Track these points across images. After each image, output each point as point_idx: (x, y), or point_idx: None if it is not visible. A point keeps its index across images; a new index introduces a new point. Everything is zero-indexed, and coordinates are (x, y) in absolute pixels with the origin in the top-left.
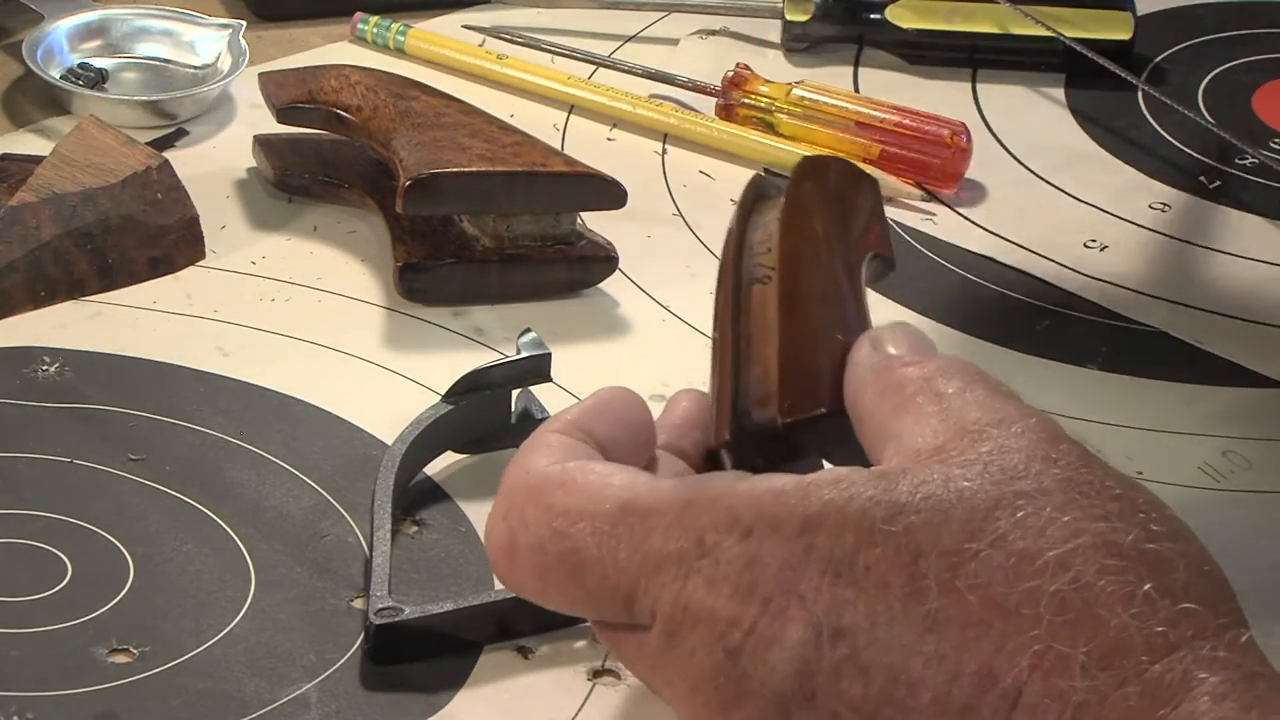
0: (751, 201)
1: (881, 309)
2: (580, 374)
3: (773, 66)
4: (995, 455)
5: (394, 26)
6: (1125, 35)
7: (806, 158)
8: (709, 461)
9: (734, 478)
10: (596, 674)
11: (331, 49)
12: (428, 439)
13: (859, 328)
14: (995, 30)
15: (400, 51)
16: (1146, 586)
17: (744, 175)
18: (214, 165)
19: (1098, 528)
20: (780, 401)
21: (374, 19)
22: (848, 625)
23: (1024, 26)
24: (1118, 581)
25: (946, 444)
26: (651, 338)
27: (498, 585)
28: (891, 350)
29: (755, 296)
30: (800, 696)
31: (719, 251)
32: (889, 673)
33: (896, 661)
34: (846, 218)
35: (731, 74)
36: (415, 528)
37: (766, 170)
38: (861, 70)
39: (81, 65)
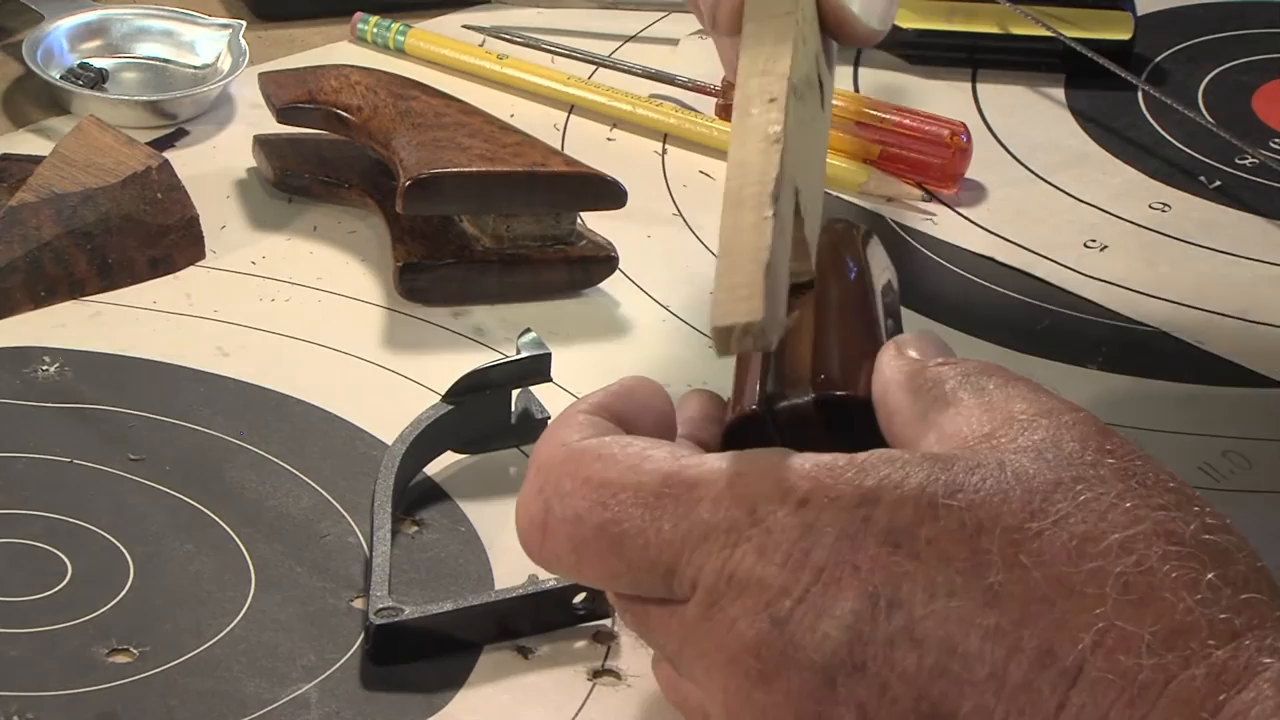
0: None
1: None
2: (580, 374)
3: None
4: (1048, 443)
5: (394, 26)
6: (1125, 35)
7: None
8: (728, 443)
9: (781, 453)
10: (596, 674)
11: (332, 49)
12: (428, 439)
13: (880, 342)
14: (995, 30)
15: (400, 51)
16: (1210, 575)
17: None
18: (214, 165)
19: (1158, 516)
20: (814, 378)
21: (374, 19)
22: (905, 596)
23: (1024, 26)
24: (1181, 568)
25: (995, 431)
26: (651, 338)
27: (498, 585)
28: (916, 355)
29: None
30: (850, 666)
31: (719, 252)
32: (945, 645)
33: (954, 634)
34: (859, 259)
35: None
36: (415, 528)
37: None
38: (861, 70)
39: (81, 65)
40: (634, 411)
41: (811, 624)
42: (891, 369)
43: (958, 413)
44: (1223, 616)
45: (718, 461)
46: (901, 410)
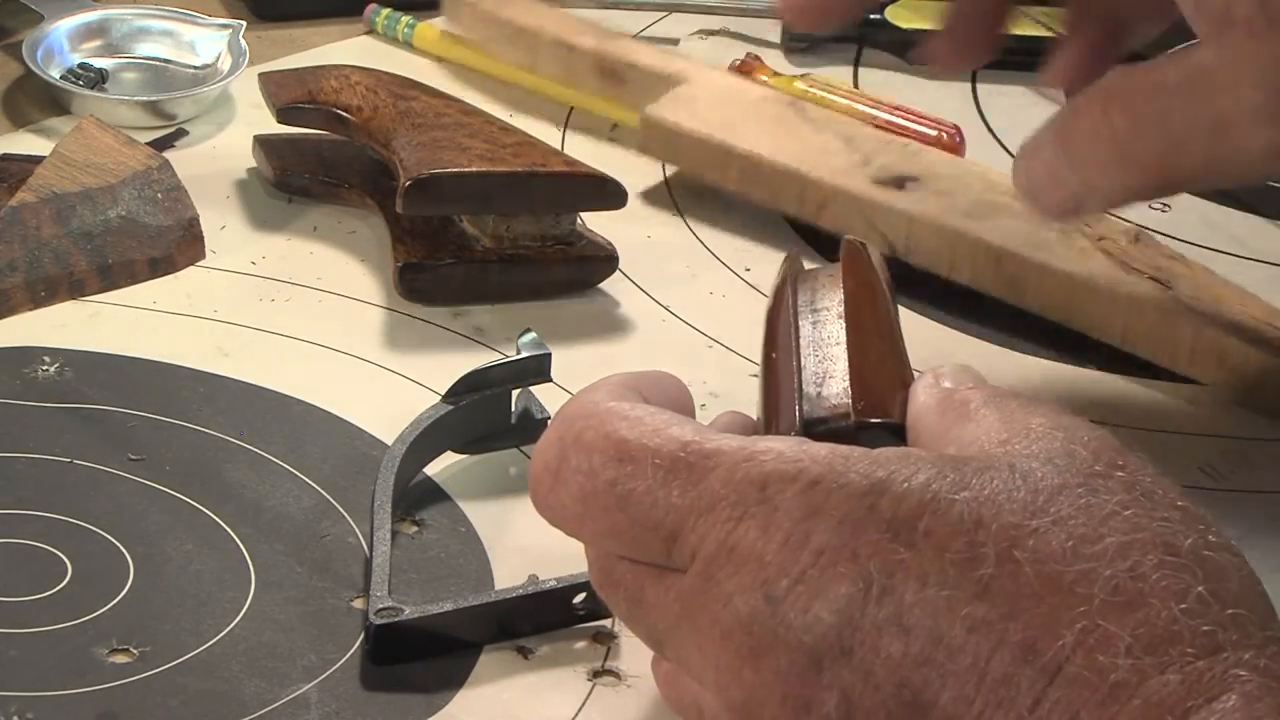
0: (793, 268)
1: None
2: (580, 374)
3: (774, 67)
4: (1060, 452)
5: (403, 19)
6: None
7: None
8: None
9: (799, 441)
10: (596, 674)
11: (332, 49)
12: (428, 439)
13: (909, 368)
14: None
15: (409, 45)
16: (1200, 588)
17: None
18: (214, 165)
19: (1158, 527)
20: (855, 403)
21: (385, 11)
22: (897, 584)
23: (1024, 26)
24: (1173, 578)
25: (1011, 438)
26: (651, 338)
27: (498, 585)
28: (951, 385)
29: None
30: (837, 650)
31: (719, 252)
32: (931, 634)
33: (941, 623)
34: (885, 280)
35: (740, 61)
36: (415, 528)
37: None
38: (861, 70)
39: (81, 65)
40: (660, 399)
41: (805, 605)
42: (929, 394)
43: (977, 425)
44: (1206, 629)
45: (738, 439)
46: (928, 430)
